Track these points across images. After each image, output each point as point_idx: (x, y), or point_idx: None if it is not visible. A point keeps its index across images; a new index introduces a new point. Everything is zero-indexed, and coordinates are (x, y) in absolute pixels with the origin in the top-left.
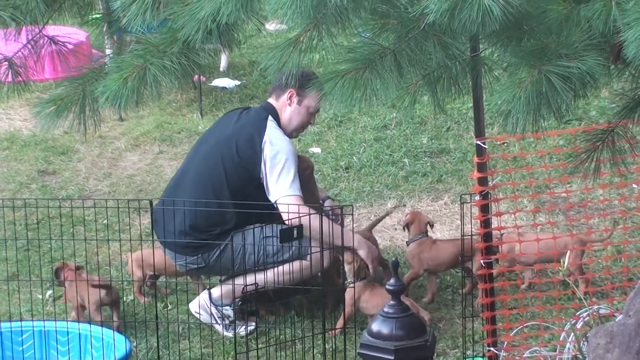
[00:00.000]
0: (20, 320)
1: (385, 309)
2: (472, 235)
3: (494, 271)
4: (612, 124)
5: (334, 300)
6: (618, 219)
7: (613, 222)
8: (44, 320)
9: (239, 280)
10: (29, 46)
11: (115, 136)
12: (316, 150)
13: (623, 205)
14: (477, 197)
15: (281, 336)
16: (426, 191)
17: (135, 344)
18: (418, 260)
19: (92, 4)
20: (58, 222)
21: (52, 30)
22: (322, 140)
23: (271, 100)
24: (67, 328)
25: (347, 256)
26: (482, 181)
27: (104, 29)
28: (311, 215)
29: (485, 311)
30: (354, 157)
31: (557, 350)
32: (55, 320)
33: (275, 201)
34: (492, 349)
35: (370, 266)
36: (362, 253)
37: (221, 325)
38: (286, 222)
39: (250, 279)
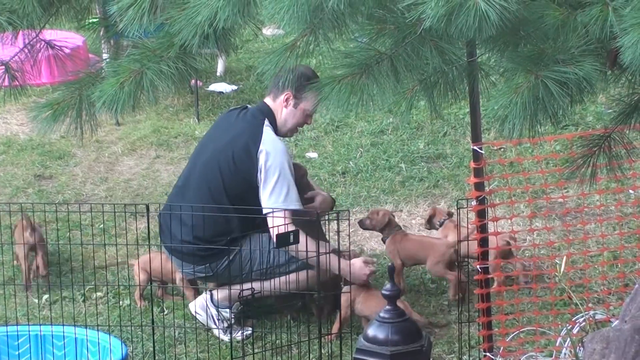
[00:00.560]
0: (17, 325)
1: (381, 314)
2: (466, 240)
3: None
4: (609, 130)
5: (330, 305)
6: (614, 224)
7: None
8: (40, 325)
9: (238, 285)
10: (26, 50)
11: (112, 141)
12: (313, 155)
13: (619, 210)
14: (474, 203)
15: (277, 341)
16: (423, 196)
17: (131, 348)
18: (390, 252)
19: (89, 9)
20: (55, 227)
21: (49, 34)
22: (319, 145)
23: (268, 100)
24: (63, 332)
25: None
26: (479, 186)
27: (101, 34)
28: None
29: (482, 316)
30: (351, 162)
31: (553, 356)
32: (52, 325)
33: (266, 214)
34: (488, 354)
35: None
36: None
37: (218, 328)
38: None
39: (255, 285)
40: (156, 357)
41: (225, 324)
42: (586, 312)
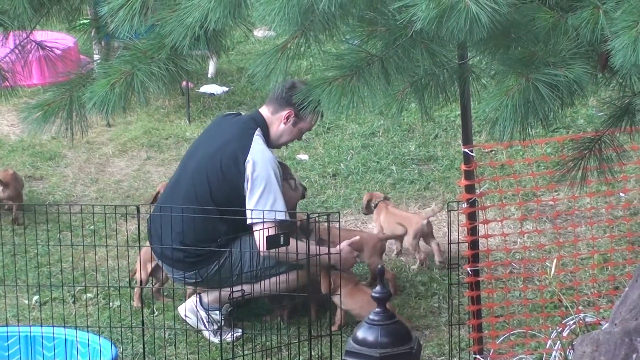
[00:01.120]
0: (6, 326)
1: (371, 316)
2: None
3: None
4: (600, 133)
5: (318, 306)
6: (605, 227)
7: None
8: (30, 326)
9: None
10: (17, 51)
11: (103, 142)
12: (303, 157)
13: (610, 213)
14: (465, 205)
15: (267, 342)
16: (414, 198)
17: (121, 349)
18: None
19: (80, 10)
20: (45, 228)
21: (39, 35)
22: (310, 147)
23: (264, 111)
24: (53, 333)
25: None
26: (470, 189)
27: (92, 35)
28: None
29: (472, 319)
30: (342, 164)
31: (544, 359)
32: (42, 326)
33: (252, 224)
34: (478, 356)
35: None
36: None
37: (208, 330)
38: (261, 251)
39: (245, 287)
40: (146, 359)
41: (215, 326)
42: (576, 315)
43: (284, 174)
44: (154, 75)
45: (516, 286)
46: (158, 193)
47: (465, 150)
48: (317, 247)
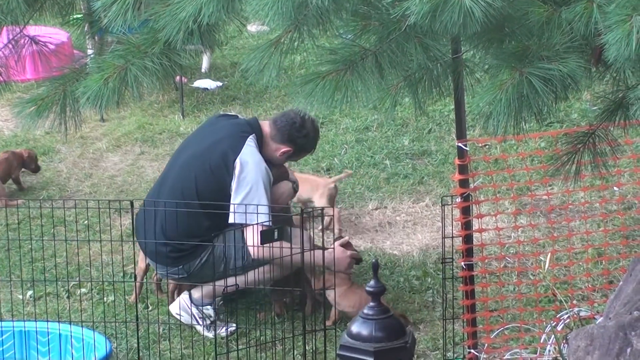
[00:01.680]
0: (0, 321)
1: (365, 311)
2: (447, 235)
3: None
4: (593, 127)
5: (313, 301)
6: (599, 221)
7: None
8: (24, 321)
9: (220, 281)
10: (10, 46)
11: (97, 137)
12: None
13: (604, 207)
14: (458, 199)
15: (261, 337)
16: (407, 193)
17: (115, 344)
18: None
19: (73, 4)
20: (39, 223)
21: (33, 30)
22: None
23: (264, 126)
24: (48, 328)
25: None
26: (463, 183)
27: (86, 29)
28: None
29: (466, 313)
30: (335, 159)
31: (538, 353)
32: (36, 321)
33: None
34: (472, 350)
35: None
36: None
37: (202, 325)
38: (252, 252)
39: (231, 279)
40: (140, 353)
41: (208, 321)
42: (570, 309)
43: (279, 167)
44: (148, 69)
45: (510, 280)
46: None
47: (459, 144)
48: (310, 243)
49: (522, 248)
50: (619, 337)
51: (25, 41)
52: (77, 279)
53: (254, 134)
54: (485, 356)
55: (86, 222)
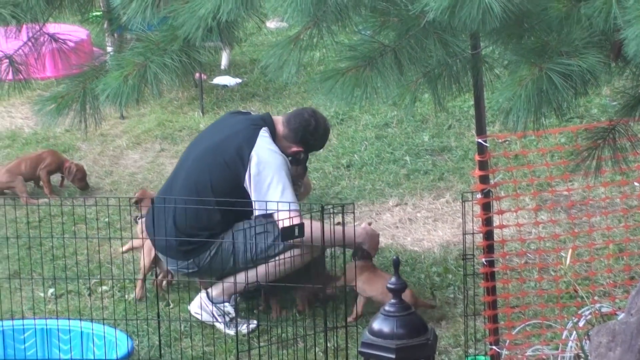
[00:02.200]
0: (22, 319)
1: (387, 308)
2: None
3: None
4: (613, 122)
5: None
6: (620, 217)
7: None
8: (45, 319)
9: (239, 278)
10: (30, 44)
11: (117, 134)
12: None
13: (624, 203)
14: (479, 195)
15: (283, 334)
16: (427, 189)
17: (137, 342)
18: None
19: (93, 2)
20: (60, 220)
21: (52, 28)
22: None
23: (278, 122)
24: (69, 326)
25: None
26: (484, 179)
27: (105, 27)
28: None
29: (487, 309)
30: (355, 155)
31: (559, 349)
32: (57, 319)
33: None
34: (494, 347)
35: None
36: (365, 246)
37: (222, 322)
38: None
39: (250, 274)
40: (162, 351)
41: (228, 318)
42: (592, 305)
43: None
44: (167, 67)
45: (531, 277)
46: (139, 200)
47: (479, 140)
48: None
49: (542, 244)
50: None
51: (45, 39)
52: (99, 276)
53: (267, 127)
54: (507, 352)
55: (107, 219)
